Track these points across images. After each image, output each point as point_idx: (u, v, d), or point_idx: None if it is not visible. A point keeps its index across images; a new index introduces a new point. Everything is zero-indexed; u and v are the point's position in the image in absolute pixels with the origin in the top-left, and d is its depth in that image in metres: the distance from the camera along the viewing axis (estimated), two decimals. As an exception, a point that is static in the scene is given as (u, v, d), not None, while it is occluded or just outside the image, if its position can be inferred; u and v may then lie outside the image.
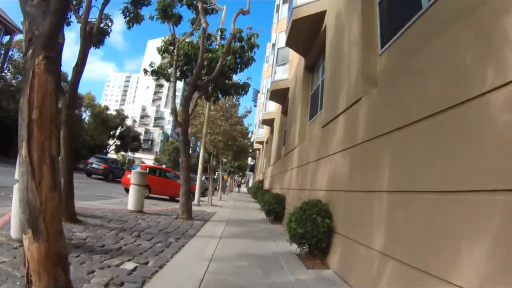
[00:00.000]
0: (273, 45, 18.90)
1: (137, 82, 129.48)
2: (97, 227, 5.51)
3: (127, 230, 5.83)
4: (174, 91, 10.09)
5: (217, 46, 11.08)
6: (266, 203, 9.85)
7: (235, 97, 15.17)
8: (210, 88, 11.14)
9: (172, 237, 5.71)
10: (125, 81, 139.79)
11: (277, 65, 15.75)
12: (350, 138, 4.95)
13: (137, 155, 78.66)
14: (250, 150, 33.16)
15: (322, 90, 8.74)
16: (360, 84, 4.84)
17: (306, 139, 9.47)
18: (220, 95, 12.06)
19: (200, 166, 14.37)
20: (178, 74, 10.56)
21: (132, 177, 9.33)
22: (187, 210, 8.56)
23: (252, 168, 51.93)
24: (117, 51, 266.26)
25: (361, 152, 4.43)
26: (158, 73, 11.33)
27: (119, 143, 54.69)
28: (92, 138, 46.18)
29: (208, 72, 10.51)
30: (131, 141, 55.66)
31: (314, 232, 4.76)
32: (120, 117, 54.12)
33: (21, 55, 29.30)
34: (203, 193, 22.90)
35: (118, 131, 54.08)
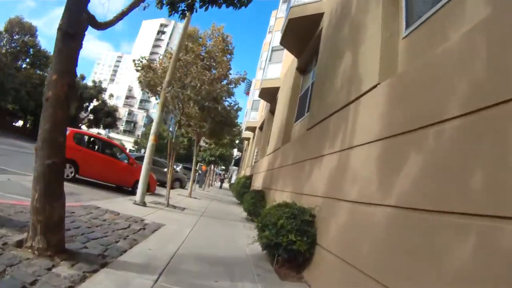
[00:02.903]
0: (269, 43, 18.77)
1: (128, 62, 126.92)
2: None
3: None
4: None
5: None
6: (272, 227, 4.77)
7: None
8: None
9: None
10: (116, 60, 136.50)
11: (270, 62, 15.63)
12: (351, 137, 4.88)
13: (116, 136, 74.72)
14: (237, 132, 23.59)
15: (311, 94, 8.75)
16: (377, 69, 4.29)
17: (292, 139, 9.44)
18: None
19: (151, 138, 9.22)
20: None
21: None
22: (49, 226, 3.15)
23: (237, 162, 47.56)
24: (114, 31, 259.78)
25: (364, 154, 4.37)
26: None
27: (92, 118, 50.26)
28: None
29: None
30: (104, 116, 51.52)
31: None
32: (96, 89, 49.52)
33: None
34: (172, 185, 19.87)
35: (92, 105, 49.39)
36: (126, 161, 12.02)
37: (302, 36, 9.82)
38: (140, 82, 10.38)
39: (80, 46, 3.54)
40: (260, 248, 5.27)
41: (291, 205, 5.08)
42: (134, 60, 10.37)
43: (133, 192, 11.38)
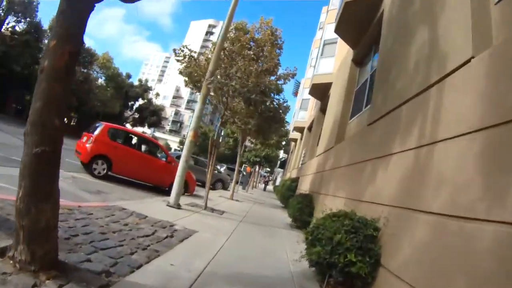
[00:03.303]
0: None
1: (176, 63, 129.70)
2: None
3: None
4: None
5: None
6: (326, 243, 3.82)
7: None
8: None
9: None
10: (164, 61, 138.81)
11: (322, 57, 14.52)
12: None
13: (162, 135, 74.95)
14: (285, 132, 23.58)
15: (370, 86, 7.66)
16: (469, 40, 3.30)
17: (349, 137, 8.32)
18: None
19: (190, 135, 8.37)
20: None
21: None
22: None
23: (283, 164, 45.39)
24: (163, 32, 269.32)
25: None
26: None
27: (137, 116, 49.25)
28: (102, 104, 40.28)
29: None
30: (149, 115, 50.16)
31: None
32: (142, 87, 48.52)
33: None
34: (213, 185, 18.02)
35: (137, 103, 48.16)
36: (164, 159, 11.49)
37: (359, 22, 8.69)
38: (180, 73, 9.82)
39: (91, 7, 2.80)
40: (307, 264, 4.30)
41: (351, 216, 4.03)
42: (174, 50, 9.80)
43: (169, 193, 10.71)
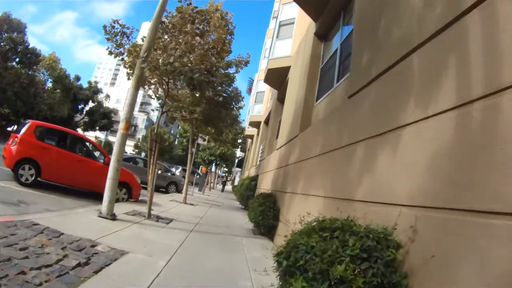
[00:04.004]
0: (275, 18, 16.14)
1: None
2: None
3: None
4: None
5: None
6: (322, 279, 2.22)
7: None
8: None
9: None
10: (117, 64, 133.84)
11: (277, 39, 13.03)
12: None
13: (114, 139, 73.14)
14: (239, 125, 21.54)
15: (341, 57, 6.29)
16: None
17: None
18: None
19: (121, 126, 6.67)
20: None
21: None
22: None
23: (241, 163, 42.60)
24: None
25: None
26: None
27: (87, 120, 47.32)
28: (50, 109, 38.59)
29: None
30: (100, 118, 48.46)
31: None
32: (92, 90, 46.46)
33: None
34: (166, 189, 16.71)
35: (88, 107, 46.39)
36: (101, 161, 9.38)
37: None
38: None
39: None
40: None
41: (353, 227, 2.44)
42: (105, 27, 7.70)
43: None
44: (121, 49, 8.05)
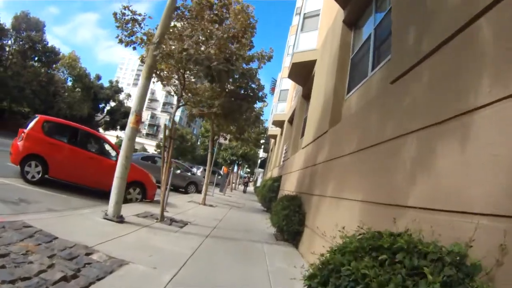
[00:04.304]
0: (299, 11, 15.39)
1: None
2: None
3: None
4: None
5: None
6: None
7: None
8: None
9: None
10: (139, 64, 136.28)
11: (302, 32, 12.30)
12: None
13: (139, 139, 73.26)
14: (262, 127, 20.57)
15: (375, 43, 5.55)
16: None
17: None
18: None
19: (131, 120, 6.08)
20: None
21: None
22: None
23: (263, 164, 42.10)
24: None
25: None
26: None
27: (108, 119, 46.83)
28: (69, 107, 38.38)
29: None
30: (121, 117, 47.28)
31: None
32: (113, 89, 45.96)
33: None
34: (185, 189, 16.34)
35: (108, 106, 45.90)
36: (114, 158, 8.96)
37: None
38: (120, 41, 7.25)
39: None
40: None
41: (423, 248, 1.73)
42: (115, 14, 7.24)
43: (127, 200, 8.52)
44: (133, 38, 7.55)
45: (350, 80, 6.92)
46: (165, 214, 7.27)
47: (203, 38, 6.26)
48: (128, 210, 6.81)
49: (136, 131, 6.28)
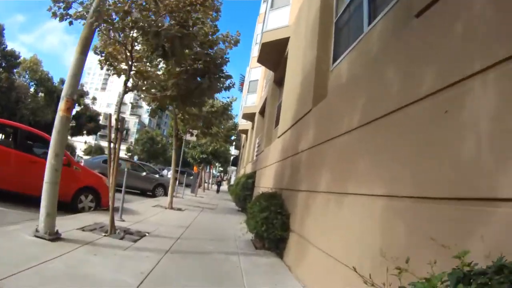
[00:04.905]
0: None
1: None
2: None
3: None
4: None
5: None
6: None
7: None
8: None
9: None
10: (107, 69, 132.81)
11: (272, 9, 10.97)
12: None
13: (106, 144, 71.18)
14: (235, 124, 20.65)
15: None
16: None
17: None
18: None
19: (61, 107, 4.55)
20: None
21: None
22: None
23: (236, 161, 40.01)
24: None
25: None
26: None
27: (74, 124, 45.05)
28: (33, 113, 37.02)
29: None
30: (86, 121, 46.31)
31: None
32: (78, 93, 44.14)
33: None
34: (153, 192, 15.06)
35: (74, 111, 44.46)
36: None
37: None
38: (53, 15, 5.60)
39: None
40: None
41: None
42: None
43: (73, 209, 7.10)
44: (69, 11, 5.92)
45: (335, 47, 5.64)
46: (120, 224, 5.82)
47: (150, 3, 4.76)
48: (74, 222, 5.40)
49: (68, 121, 4.73)
